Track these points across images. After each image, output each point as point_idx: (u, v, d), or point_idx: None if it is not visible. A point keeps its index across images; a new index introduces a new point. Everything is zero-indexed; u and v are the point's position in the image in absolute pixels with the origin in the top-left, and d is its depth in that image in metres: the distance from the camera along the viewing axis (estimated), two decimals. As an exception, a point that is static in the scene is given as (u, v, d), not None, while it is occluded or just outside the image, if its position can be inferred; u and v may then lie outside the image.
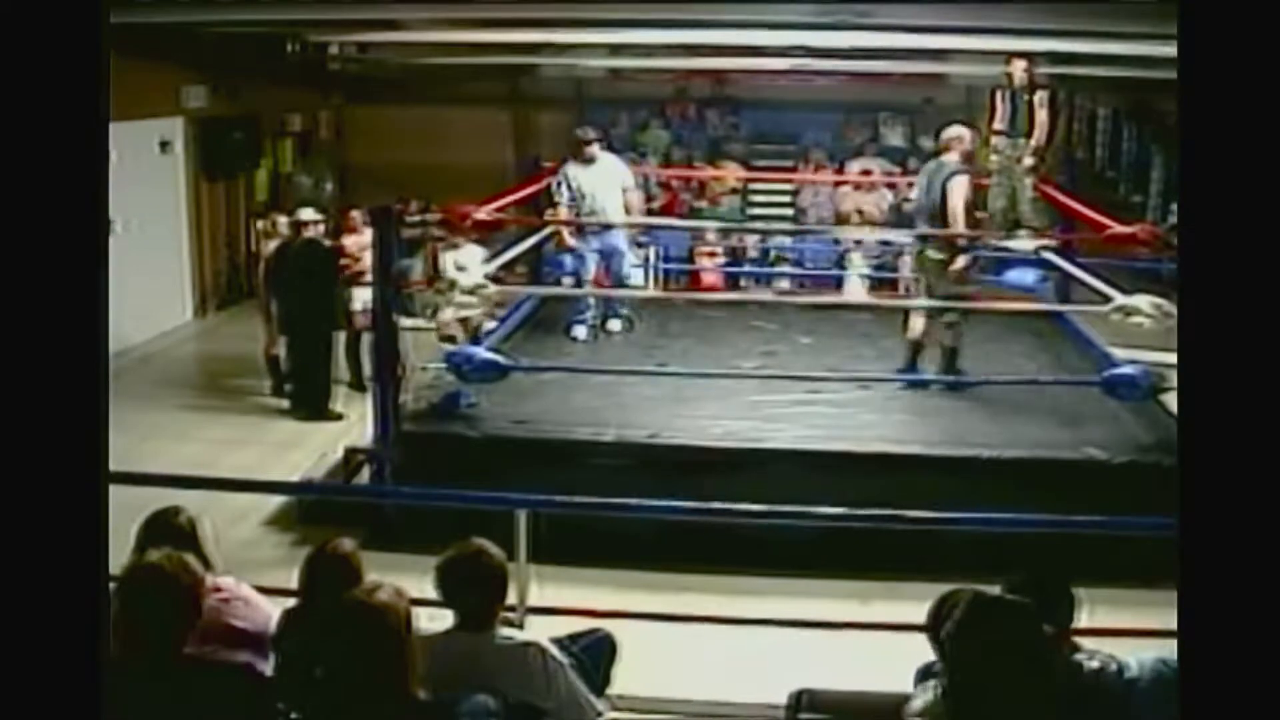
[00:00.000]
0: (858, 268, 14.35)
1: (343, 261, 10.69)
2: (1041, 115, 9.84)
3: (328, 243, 10.89)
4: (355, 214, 11.24)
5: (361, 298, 10.32)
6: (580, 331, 10.65)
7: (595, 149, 10.76)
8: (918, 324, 9.23)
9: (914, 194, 9.68)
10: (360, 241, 10.37)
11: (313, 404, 10.50)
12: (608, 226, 10.66)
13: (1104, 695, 3.76)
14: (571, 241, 10.87)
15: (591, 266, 10.89)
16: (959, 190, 8.79)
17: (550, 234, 11.10)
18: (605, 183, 10.67)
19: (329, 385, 10.69)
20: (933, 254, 9.00)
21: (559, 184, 10.73)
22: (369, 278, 10.10)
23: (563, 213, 10.70)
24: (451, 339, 9.98)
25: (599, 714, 4.31)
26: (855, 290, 14.08)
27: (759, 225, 15.69)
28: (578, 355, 10.04)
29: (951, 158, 9.01)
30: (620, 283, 10.98)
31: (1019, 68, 9.93)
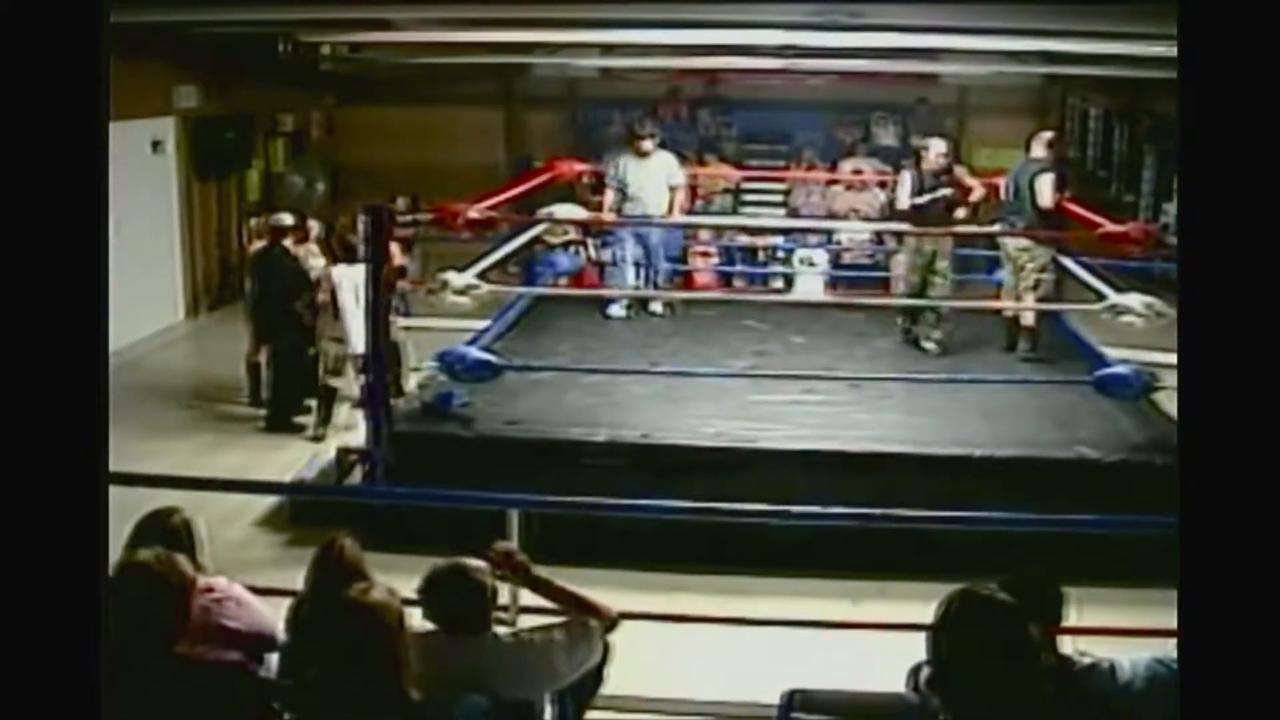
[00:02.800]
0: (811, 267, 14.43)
1: None
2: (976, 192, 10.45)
3: (302, 249, 10.67)
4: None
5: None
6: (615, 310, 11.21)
7: (649, 144, 11.25)
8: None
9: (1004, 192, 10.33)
10: None
11: (285, 415, 10.29)
12: (588, 224, 10.80)
13: (1096, 695, 3.77)
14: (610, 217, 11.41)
15: (628, 251, 11.42)
16: (1048, 185, 9.72)
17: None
18: (654, 177, 11.17)
19: (302, 396, 10.38)
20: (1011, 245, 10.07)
21: (611, 173, 11.31)
22: None
23: (609, 198, 11.27)
24: (338, 373, 9.86)
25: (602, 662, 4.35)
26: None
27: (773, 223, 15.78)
28: (570, 355, 10.03)
29: (1039, 153, 9.98)
30: (658, 271, 11.63)
31: (936, 152, 10.24)
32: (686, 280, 14.97)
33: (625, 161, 11.26)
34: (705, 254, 15.39)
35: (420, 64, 14.23)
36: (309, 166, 16.21)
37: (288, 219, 10.85)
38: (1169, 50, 7.87)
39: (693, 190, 14.12)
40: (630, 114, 16.79)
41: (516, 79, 17.12)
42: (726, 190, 16.36)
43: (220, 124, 14.46)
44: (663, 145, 11.63)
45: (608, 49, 14.12)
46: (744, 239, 15.83)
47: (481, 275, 8.54)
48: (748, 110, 17.19)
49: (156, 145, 13.47)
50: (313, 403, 10.13)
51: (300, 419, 10.24)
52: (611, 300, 11.30)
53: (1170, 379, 6.11)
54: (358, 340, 9.32)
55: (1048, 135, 10.28)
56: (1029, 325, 9.99)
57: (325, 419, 9.98)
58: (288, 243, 10.62)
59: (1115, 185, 16.83)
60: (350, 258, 9.57)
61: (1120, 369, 8.08)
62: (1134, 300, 7.74)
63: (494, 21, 10.47)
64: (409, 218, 11.58)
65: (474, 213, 8.93)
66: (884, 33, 9.78)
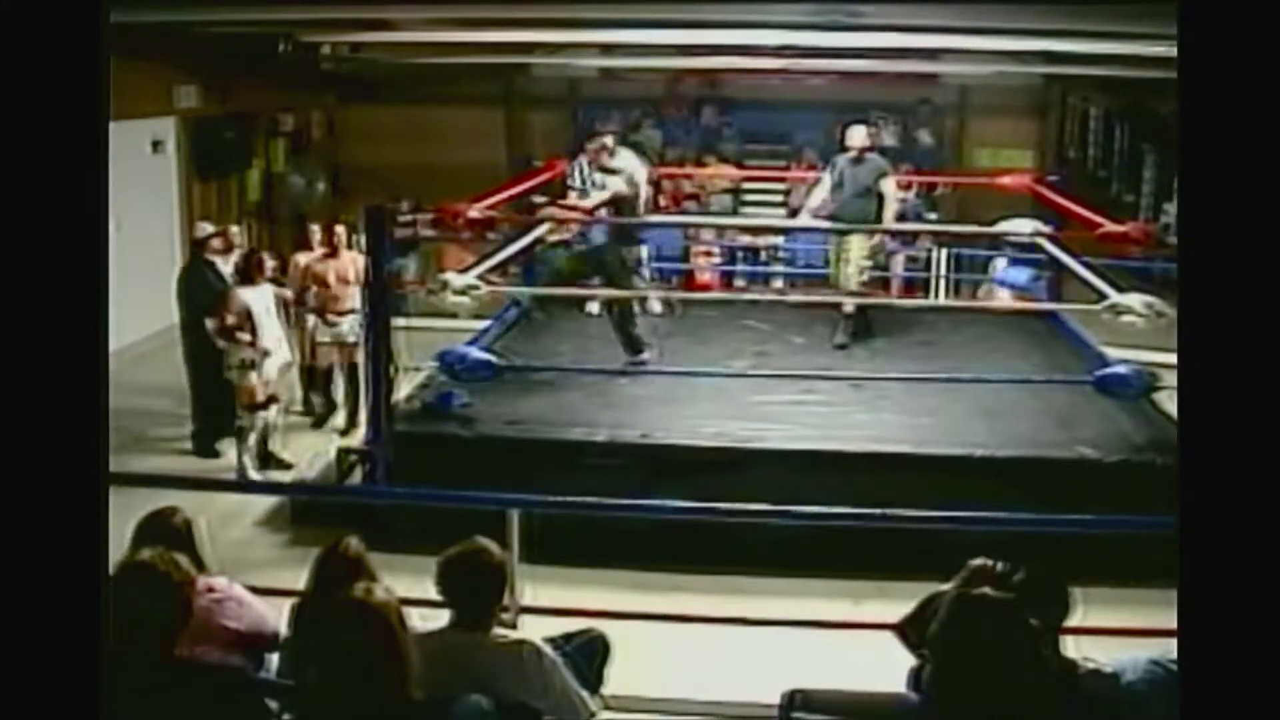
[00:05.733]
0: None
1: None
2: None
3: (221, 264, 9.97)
4: (338, 229, 10.29)
5: (329, 330, 10.01)
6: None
7: (609, 140, 10.94)
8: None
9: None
10: (338, 266, 10.00)
11: (208, 440, 9.66)
12: (586, 223, 10.79)
13: (1098, 700, 3.76)
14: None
15: None
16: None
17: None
18: (613, 177, 10.91)
19: (223, 420, 9.48)
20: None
21: (575, 176, 11.39)
22: (344, 305, 9.94)
23: (572, 198, 11.13)
24: (262, 405, 9.12)
25: (592, 713, 4.32)
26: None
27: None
28: (570, 355, 10.03)
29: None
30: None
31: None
32: (687, 280, 14.98)
33: (583, 163, 11.11)
34: (707, 253, 15.40)
35: (420, 64, 14.21)
36: (309, 166, 16.19)
37: (206, 228, 10.30)
38: (1169, 50, 7.86)
39: (695, 195, 14.08)
40: (630, 114, 16.91)
41: (516, 79, 17.09)
42: (726, 190, 16.36)
43: (220, 124, 14.44)
44: (626, 143, 11.39)
45: (608, 49, 14.10)
46: (745, 239, 15.83)
47: (482, 276, 8.53)
48: (748, 110, 17.15)
49: (156, 145, 13.46)
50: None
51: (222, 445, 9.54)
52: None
53: (1170, 379, 6.11)
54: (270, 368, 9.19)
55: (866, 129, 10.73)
56: (848, 313, 10.33)
57: (240, 459, 9.06)
58: (209, 254, 9.95)
59: (1115, 185, 16.80)
60: (249, 279, 9.27)
61: (1120, 369, 8.08)
62: (1134, 300, 7.74)
63: (494, 21, 10.46)
64: (409, 218, 11.59)
65: (474, 212, 8.92)
66: (884, 33, 9.77)
